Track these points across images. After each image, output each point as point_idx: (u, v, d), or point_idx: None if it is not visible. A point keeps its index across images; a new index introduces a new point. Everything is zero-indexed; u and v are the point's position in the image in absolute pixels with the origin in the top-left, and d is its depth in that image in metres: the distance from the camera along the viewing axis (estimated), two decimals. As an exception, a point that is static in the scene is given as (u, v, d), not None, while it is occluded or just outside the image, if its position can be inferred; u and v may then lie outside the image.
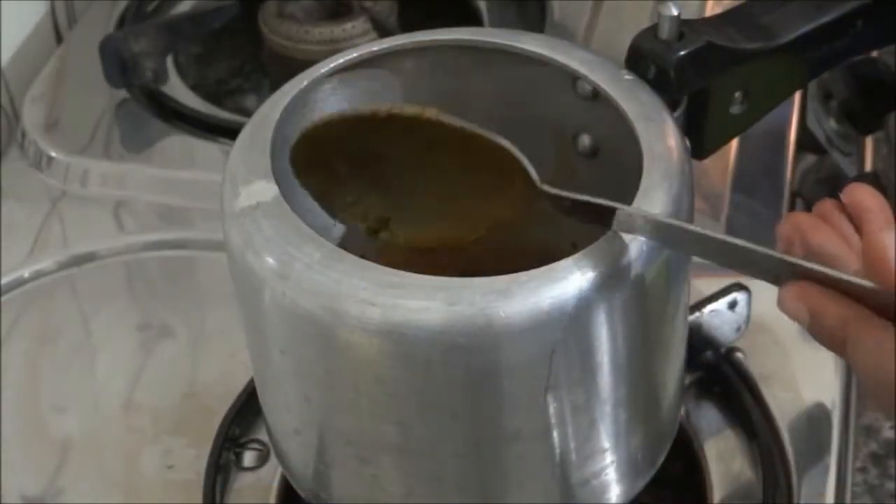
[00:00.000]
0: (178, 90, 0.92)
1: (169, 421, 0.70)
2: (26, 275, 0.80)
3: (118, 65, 0.89)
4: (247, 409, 0.68)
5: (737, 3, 0.58)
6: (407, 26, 0.89)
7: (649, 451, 0.57)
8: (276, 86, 0.57)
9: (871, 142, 0.90)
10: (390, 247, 0.59)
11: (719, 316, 0.69)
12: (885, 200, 0.49)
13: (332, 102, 0.58)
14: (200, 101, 0.91)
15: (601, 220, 0.49)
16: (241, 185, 0.51)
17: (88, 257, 0.80)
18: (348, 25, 0.89)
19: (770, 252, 0.47)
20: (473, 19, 0.95)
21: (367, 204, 0.59)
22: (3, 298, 0.78)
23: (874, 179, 0.79)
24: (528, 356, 0.48)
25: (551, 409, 0.50)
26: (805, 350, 0.72)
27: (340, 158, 0.57)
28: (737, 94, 0.57)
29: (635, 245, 0.49)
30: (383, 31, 0.89)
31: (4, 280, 0.79)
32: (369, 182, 0.58)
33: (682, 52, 0.54)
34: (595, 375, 0.51)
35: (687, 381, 0.65)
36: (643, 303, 0.50)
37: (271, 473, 0.66)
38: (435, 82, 0.59)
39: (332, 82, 0.57)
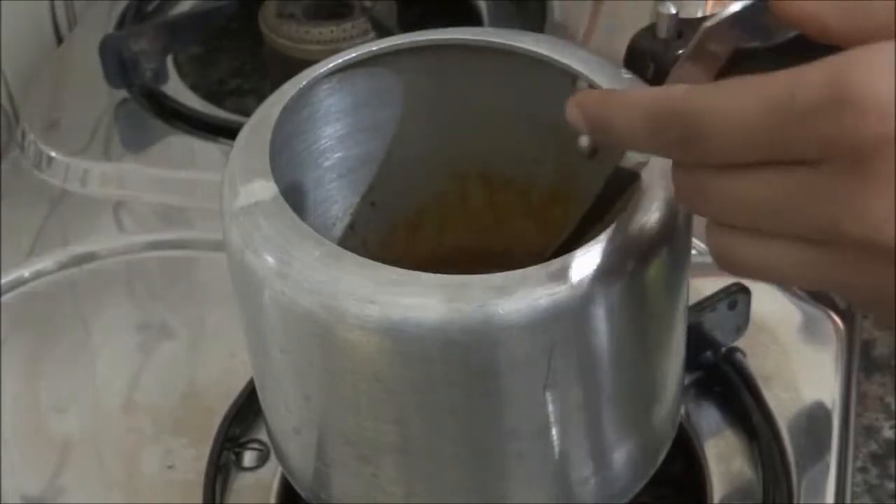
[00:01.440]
0: (178, 90, 0.92)
1: (169, 421, 0.70)
2: (26, 275, 0.80)
3: (118, 65, 0.89)
4: (247, 409, 0.68)
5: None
6: (407, 26, 0.89)
7: (649, 451, 0.57)
8: (276, 86, 0.57)
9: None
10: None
11: (719, 316, 0.68)
12: None
13: (332, 102, 0.58)
14: (200, 101, 0.91)
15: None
16: (240, 184, 0.52)
17: (88, 257, 0.81)
18: (348, 25, 0.89)
19: None
20: (473, 19, 0.95)
21: None
22: (3, 298, 0.78)
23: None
24: (526, 354, 0.48)
25: (550, 407, 0.50)
26: (805, 350, 0.72)
27: None
28: (736, 94, 0.57)
29: (635, 243, 0.49)
30: (383, 31, 0.89)
31: (4, 280, 0.79)
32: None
33: (680, 52, 0.54)
34: (594, 374, 0.51)
35: (687, 381, 0.65)
36: (642, 301, 0.50)
37: (271, 473, 0.66)
38: (435, 82, 0.59)
39: (332, 82, 0.57)
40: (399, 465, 0.53)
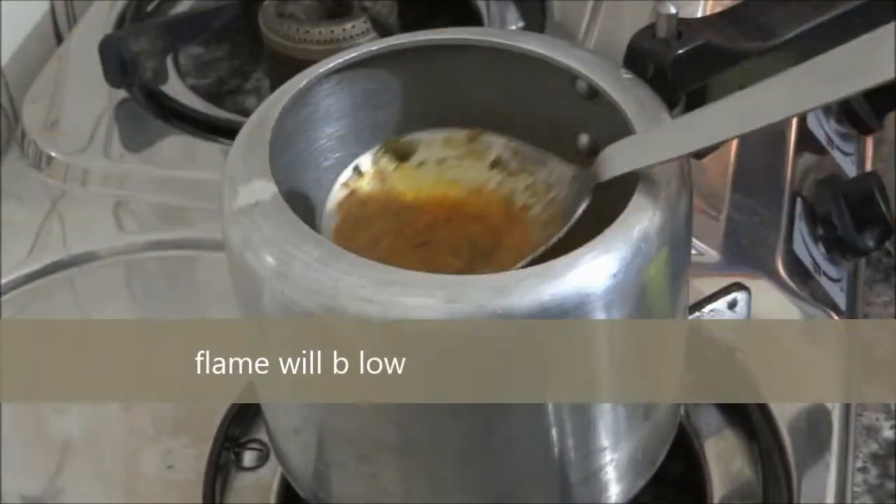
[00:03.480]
0: (178, 90, 0.91)
1: (169, 421, 0.70)
2: (26, 275, 0.80)
3: (118, 65, 0.88)
4: (247, 409, 0.68)
5: (735, 1, 0.58)
6: (407, 26, 0.89)
7: (649, 451, 0.57)
8: (276, 86, 0.57)
9: (871, 142, 0.90)
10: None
11: (719, 316, 0.68)
12: None
13: (332, 102, 0.58)
14: (200, 101, 0.91)
15: None
16: (239, 184, 0.52)
17: (88, 257, 0.80)
18: (348, 25, 0.89)
19: None
20: (473, 19, 0.95)
21: None
22: (3, 298, 0.78)
23: (874, 179, 0.79)
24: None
25: (550, 408, 0.50)
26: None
27: None
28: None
29: (635, 243, 0.49)
30: (383, 31, 0.88)
31: (4, 280, 0.79)
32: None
33: (680, 51, 0.54)
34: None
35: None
36: (642, 301, 0.50)
37: (271, 473, 0.66)
38: (435, 82, 0.59)
39: (332, 82, 0.57)
40: (399, 465, 0.53)
